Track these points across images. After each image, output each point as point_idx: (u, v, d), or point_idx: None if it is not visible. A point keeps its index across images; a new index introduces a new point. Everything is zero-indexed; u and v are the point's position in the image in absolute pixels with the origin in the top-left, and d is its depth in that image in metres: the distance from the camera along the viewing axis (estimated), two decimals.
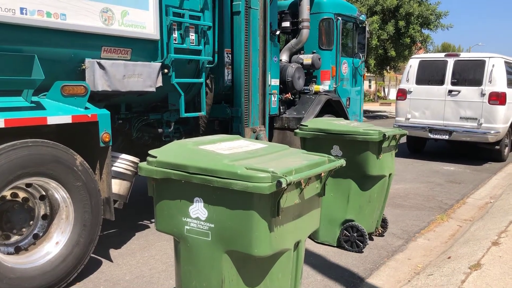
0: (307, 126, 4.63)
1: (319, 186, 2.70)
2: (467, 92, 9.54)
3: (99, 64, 3.87)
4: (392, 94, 44.73)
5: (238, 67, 5.53)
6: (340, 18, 7.79)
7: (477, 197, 6.92)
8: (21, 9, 3.35)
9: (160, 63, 4.46)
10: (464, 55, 10.09)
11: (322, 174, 2.65)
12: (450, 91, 9.74)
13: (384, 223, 5.01)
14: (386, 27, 19.94)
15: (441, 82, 9.89)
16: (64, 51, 3.75)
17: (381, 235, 4.97)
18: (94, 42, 3.93)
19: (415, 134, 10.31)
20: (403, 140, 11.58)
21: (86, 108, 3.68)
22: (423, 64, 10.22)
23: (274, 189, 2.21)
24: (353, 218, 4.51)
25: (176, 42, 4.67)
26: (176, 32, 4.67)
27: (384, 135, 4.25)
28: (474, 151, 10.90)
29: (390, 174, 4.68)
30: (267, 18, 5.88)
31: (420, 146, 11.25)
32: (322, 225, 4.62)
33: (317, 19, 7.57)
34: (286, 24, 7.46)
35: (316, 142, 4.56)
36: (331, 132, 4.47)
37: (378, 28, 19.85)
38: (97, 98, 4.08)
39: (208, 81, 5.25)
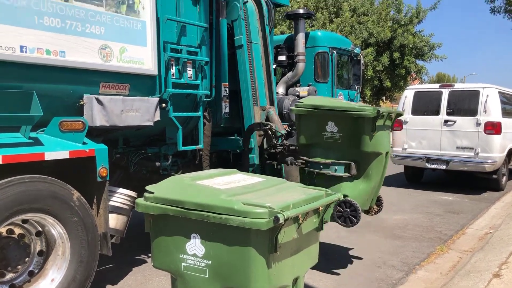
0: (302, 103, 4.66)
1: (317, 220, 2.70)
2: (463, 122, 9.62)
3: (97, 99, 3.91)
4: None
5: (246, 100, 5.61)
6: (335, 51, 7.93)
7: (476, 228, 6.88)
8: (21, 47, 3.41)
9: (158, 98, 4.50)
10: (458, 86, 10.23)
11: (320, 209, 2.66)
12: (446, 121, 9.82)
13: (379, 201, 4.94)
14: (381, 59, 20.25)
15: (436, 112, 9.99)
16: (63, 87, 3.80)
17: (376, 213, 4.94)
18: (93, 78, 3.98)
19: (412, 164, 10.33)
20: (401, 169, 11.59)
21: (84, 143, 3.70)
22: (418, 95, 10.34)
23: (272, 225, 2.21)
24: (347, 194, 4.45)
25: (174, 77, 4.73)
26: (174, 67, 4.74)
27: (378, 111, 4.26)
28: (472, 180, 10.89)
29: (386, 153, 4.64)
30: (269, 51, 6.01)
31: (417, 176, 11.25)
32: None
33: (312, 52, 7.71)
34: (282, 57, 7.59)
35: (311, 119, 4.59)
36: (326, 109, 4.48)
37: (373, 59, 20.16)
38: (95, 133, 4.10)
39: (206, 114, 5.30)
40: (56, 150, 3.48)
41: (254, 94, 5.69)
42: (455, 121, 9.71)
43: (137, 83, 4.37)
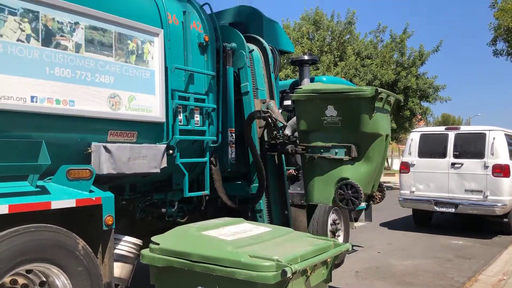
0: (301, 88, 4.77)
1: (325, 272, 2.65)
2: (470, 165, 9.57)
3: (105, 147, 3.94)
4: (396, 165, 44.79)
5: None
6: None
7: (489, 274, 6.70)
8: (32, 97, 3.48)
9: (165, 145, 4.54)
10: (464, 128, 10.24)
11: (328, 260, 2.61)
12: (453, 164, 9.77)
13: (381, 188, 4.95)
14: None
15: (443, 155, 9.96)
16: (71, 135, 3.84)
17: (380, 200, 4.98)
18: (101, 126, 4.03)
19: (420, 207, 10.21)
20: (409, 213, 11.44)
21: (91, 191, 3.70)
22: (424, 138, 10.35)
23: (279, 279, 2.17)
24: (348, 177, 4.43)
25: (182, 123, 4.78)
26: (181, 114, 4.80)
27: (377, 90, 4.30)
28: (482, 224, 10.71)
29: (387, 136, 4.66)
30: (274, 97, 6.08)
31: (426, 219, 11.09)
32: (316, 187, 4.70)
33: None
34: (288, 102, 7.65)
35: (311, 104, 4.67)
36: (325, 92, 4.54)
37: None
38: (102, 181, 4.10)
39: (212, 159, 5.32)
40: (63, 199, 3.48)
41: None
42: (462, 164, 9.65)
43: (145, 130, 4.42)
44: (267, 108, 5.69)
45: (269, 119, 5.50)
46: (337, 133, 4.61)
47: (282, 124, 5.63)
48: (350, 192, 4.42)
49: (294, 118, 7.63)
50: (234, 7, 6.48)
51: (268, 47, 6.00)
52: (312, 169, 4.87)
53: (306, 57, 7.54)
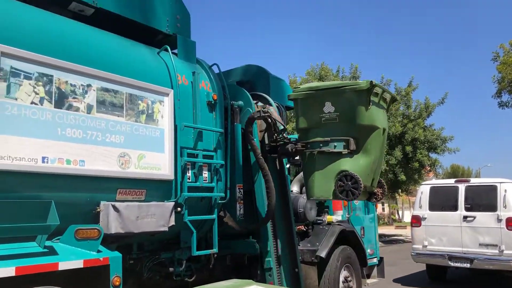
0: (299, 87, 5.08)
1: None
2: (483, 218, 9.39)
3: (113, 206, 3.95)
4: (407, 217, 44.09)
5: (261, 201, 5.61)
6: None
7: None
8: (43, 158, 3.54)
9: (174, 202, 4.53)
10: (474, 181, 10.15)
11: None
12: (465, 217, 9.60)
13: (380, 183, 5.11)
14: (394, 153, 20.42)
15: (454, 208, 9.81)
16: (80, 195, 3.87)
17: (382, 195, 5.11)
18: (110, 185, 4.06)
19: (434, 262, 9.94)
20: (422, 268, 11.12)
21: (99, 251, 3.66)
22: (434, 190, 10.24)
23: None
24: (347, 169, 4.55)
25: (190, 180, 4.80)
26: (190, 171, 4.82)
27: (371, 82, 4.52)
28: (499, 279, 10.35)
29: (384, 130, 4.82)
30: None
31: (441, 274, 10.76)
32: (316, 182, 4.85)
33: None
34: (296, 157, 7.68)
35: (309, 102, 4.95)
36: (322, 88, 4.80)
37: (386, 153, 20.34)
38: (110, 240, 4.07)
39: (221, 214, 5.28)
40: (70, 260, 3.44)
41: (268, 191, 5.67)
42: (474, 217, 9.48)
43: (154, 188, 4.43)
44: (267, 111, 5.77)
45: (269, 119, 5.56)
46: (335, 128, 4.84)
47: (282, 127, 5.76)
48: (350, 183, 4.58)
49: (302, 173, 7.67)
50: (242, 66, 6.68)
51: (274, 104, 6.11)
52: (312, 164, 5.01)
53: None
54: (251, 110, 5.70)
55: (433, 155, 22.15)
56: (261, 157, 5.46)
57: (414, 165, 21.09)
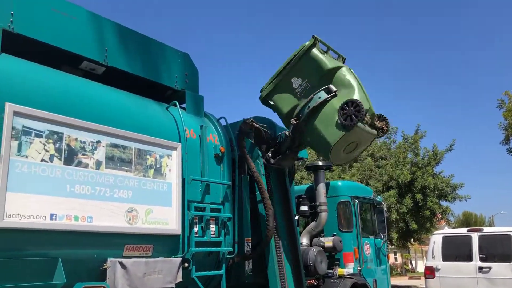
0: (263, 88, 5.77)
1: None
2: (499, 269, 9.10)
3: (120, 263, 3.90)
4: (420, 266, 42.90)
5: (270, 253, 5.51)
6: (356, 200, 7.96)
7: None
8: (51, 215, 3.54)
9: (181, 258, 4.47)
10: (487, 230, 9.93)
11: None
12: (480, 268, 9.31)
13: (382, 117, 5.38)
14: (404, 201, 20.14)
15: (469, 258, 9.54)
16: (88, 252, 3.83)
17: (387, 128, 5.42)
18: (118, 241, 4.03)
19: None
20: None
21: None
22: (447, 240, 10.01)
23: None
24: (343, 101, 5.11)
25: (197, 235, 4.75)
26: (197, 225, 4.78)
27: (313, 35, 5.41)
28: None
29: (346, 68, 5.53)
30: (290, 203, 6.08)
31: None
32: (324, 133, 5.30)
33: (334, 202, 7.75)
34: (304, 208, 7.62)
35: (279, 89, 5.63)
36: (281, 71, 5.56)
37: (396, 201, 20.09)
38: None
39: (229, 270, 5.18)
40: None
41: (278, 247, 5.60)
42: (490, 268, 9.19)
43: (161, 243, 4.39)
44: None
45: (255, 125, 5.74)
46: (312, 92, 5.38)
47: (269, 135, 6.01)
48: (352, 109, 5.02)
49: (312, 224, 7.59)
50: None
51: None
52: (312, 127, 5.39)
53: (320, 163, 7.65)
54: (258, 162, 5.72)
55: (444, 203, 21.83)
56: (256, 171, 5.54)
57: (425, 213, 20.73)
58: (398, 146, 22.05)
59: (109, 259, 3.93)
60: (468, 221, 47.73)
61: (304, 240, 7.44)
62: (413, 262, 49.24)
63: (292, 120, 5.55)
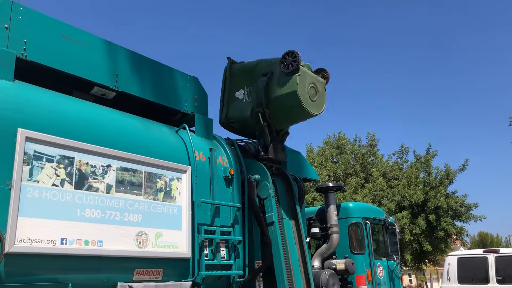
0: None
1: None
2: None
3: None
4: None
5: (280, 277, 5.45)
6: (368, 221, 7.86)
7: None
8: (62, 239, 3.56)
9: (191, 282, 4.44)
10: (504, 251, 9.73)
11: None
12: None
13: (321, 70, 6.19)
14: (417, 221, 19.86)
15: (485, 280, 9.34)
16: (98, 276, 3.83)
17: (326, 73, 6.18)
18: (128, 265, 4.02)
19: None
20: None
21: None
22: (462, 261, 9.83)
23: None
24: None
25: (207, 258, 4.72)
26: (207, 248, 4.76)
27: (228, 57, 6.58)
28: None
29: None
30: (301, 225, 6.02)
31: None
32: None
33: (345, 224, 7.66)
34: (316, 230, 7.55)
35: (231, 106, 6.24)
36: (223, 94, 6.47)
37: (409, 222, 19.80)
38: None
39: None
40: None
41: (288, 270, 5.53)
42: None
43: (171, 267, 4.37)
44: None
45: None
46: (254, 89, 5.99)
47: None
48: (291, 59, 5.67)
49: (323, 246, 7.51)
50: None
51: (291, 177, 6.12)
52: (274, 101, 5.81)
53: (331, 184, 7.61)
54: (267, 184, 5.70)
55: (458, 223, 21.46)
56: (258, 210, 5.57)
57: (439, 234, 20.38)
58: (410, 166, 21.85)
59: (119, 284, 3.91)
60: (484, 241, 46.75)
61: (316, 263, 7.34)
62: (429, 284, 48.23)
63: (257, 110, 5.92)
